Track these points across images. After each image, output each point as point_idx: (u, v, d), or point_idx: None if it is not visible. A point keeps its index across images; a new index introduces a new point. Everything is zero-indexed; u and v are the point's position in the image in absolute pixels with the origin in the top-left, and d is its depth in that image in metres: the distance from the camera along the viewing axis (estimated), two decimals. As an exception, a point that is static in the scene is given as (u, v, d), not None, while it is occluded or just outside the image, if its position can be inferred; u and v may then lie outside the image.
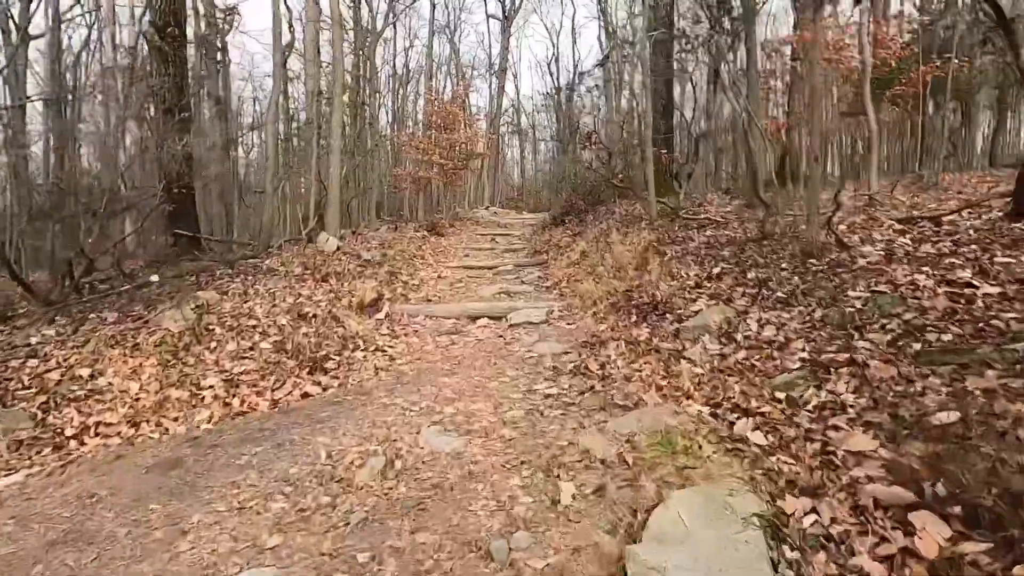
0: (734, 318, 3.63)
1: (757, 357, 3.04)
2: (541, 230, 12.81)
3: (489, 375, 4.26)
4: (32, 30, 12.41)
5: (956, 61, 7.72)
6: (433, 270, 9.58)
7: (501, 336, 5.82)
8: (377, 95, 21.77)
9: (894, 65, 8.06)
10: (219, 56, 17.00)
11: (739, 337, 3.34)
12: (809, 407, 2.42)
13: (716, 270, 4.69)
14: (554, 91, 25.59)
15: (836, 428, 2.20)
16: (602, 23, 22.50)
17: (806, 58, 3.98)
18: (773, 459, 2.10)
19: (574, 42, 42.82)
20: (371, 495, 2.40)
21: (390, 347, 5.53)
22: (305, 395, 4.11)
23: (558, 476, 2.35)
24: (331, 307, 5.77)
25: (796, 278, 3.88)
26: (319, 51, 12.69)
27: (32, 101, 12.46)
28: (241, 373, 4.27)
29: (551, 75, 31.34)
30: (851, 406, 2.33)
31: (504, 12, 26.18)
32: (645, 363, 3.57)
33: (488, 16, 27.75)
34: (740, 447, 2.21)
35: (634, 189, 8.98)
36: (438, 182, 16.97)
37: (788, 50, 10.74)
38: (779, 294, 3.65)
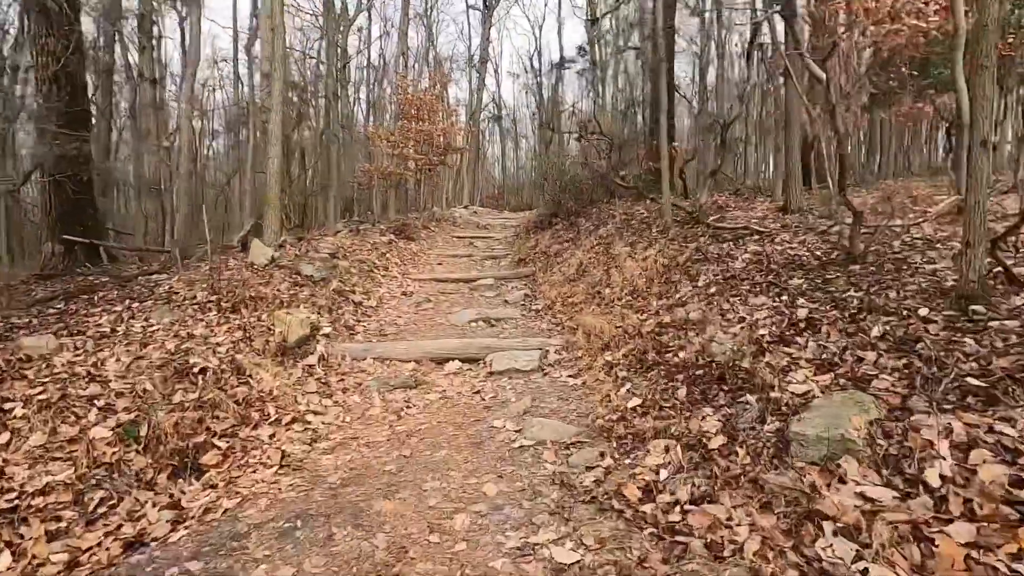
0: (888, 421, 2.03)
1: (1002, 541, 1.45)
2: (525, 234, 11.23)
3: (456, 491, 2.60)
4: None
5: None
6: (397, 284, 7.89)
7: (478, 392, 4.17)
8: (351, 86, 19.84)
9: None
10: (158, 32, 14.98)
11: (929, 477, 1.74)
12: None
13: (800, 311, 3.09)
14: (535, 82, 23.93)
15: None
16: (587, 13, 20.98)
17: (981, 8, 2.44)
18: None
19: (559, 27, 41.22)
20: None
21: (316, 414, 3.83)
22: (136, 540, 2.39)
23: None
24: (235, 352, 4.04)
25: (969, 341, 2.30)
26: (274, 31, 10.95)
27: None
28: (40, 492, 2.54)
29: (533, 69, 29.69)
30: None
31: (484, 2, 24.39)
32: (738, 509, 1.94)
33: (468, 6, 25.80)
34: None
35: (641, 189, 7.39)
36: (411, 178, 15.19)
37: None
38: (969, 379, 2.06)
